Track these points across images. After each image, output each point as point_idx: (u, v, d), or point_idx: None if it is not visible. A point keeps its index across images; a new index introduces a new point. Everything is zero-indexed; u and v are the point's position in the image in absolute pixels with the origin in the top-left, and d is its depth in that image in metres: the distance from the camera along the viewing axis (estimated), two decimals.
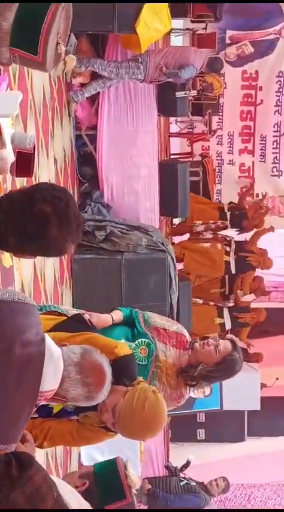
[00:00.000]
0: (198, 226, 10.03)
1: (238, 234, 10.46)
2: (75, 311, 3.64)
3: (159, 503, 8.13)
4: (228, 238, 10.25)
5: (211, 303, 10.02)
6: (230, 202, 10.59)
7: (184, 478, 8.29)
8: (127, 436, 3.15)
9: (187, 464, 8.48)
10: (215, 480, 8.26)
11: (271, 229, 10.27)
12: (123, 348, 3.25)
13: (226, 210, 10.28)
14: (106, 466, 2.82)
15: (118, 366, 2.58)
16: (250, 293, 10.09)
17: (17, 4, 3.24)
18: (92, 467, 2.81)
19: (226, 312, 9.93)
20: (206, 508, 8.42)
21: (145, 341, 3.57)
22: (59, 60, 3.05)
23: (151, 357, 3.57)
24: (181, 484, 8.19)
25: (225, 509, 8.22)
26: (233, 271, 9.96)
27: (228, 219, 10.21)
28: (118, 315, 3.70)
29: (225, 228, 10.29)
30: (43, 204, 2.43)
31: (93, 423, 3.16)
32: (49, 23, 3.17)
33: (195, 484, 8.25)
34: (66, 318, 3.46)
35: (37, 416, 3.09)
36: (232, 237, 10.31)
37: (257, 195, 11.26)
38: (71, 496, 2.52)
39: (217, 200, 11.36)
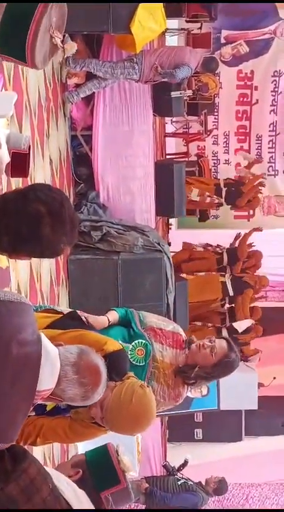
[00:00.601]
0: (193, 195, 9.96)
1: (232, 209, 10.49)
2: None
3: (157, 502, 8.13)
4: (219, 251, 10.26)
5: (210, 325, 10.01)
6: (228, 178, 10.56)
7: (182, 477, 8.29)
8: (116, 430, 3.15)
9: (184, 464, 8.49)
10: (213, 479, 8.26)
11: (258, 229, 10.28)
12: (113, 344, 3.25)
13: (222, 186, 10.24)
14: (98, 453, 2.82)
15: (107, 362, 2.58)
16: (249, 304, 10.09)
17: (3, 6, 3.21)
18: (83, 455, 2.81)
19: (224, 332, 9.93)
20: (204, 508, 8.43)
21: (142, 342, 3.57)
22: (55, 50, 3.02)
23: (149, 357, 3.57)
24: (179, 483, 8.19)
25: (225, 509, 8.22)
26: (231, 292, 9.96)
27: (223, 196, 10.17)
28: (113, 315, 3.70)
29: (220, 205, 10.25)
30: (37, 203, 2.43)
31: (84, 419, 3.16)
32: (35, 26, 3.12)
33: (192, 483, 8.26)
34: (61, 315, 3.47)
35: (31, 414, 3.09)
36: (224, 247, 10.30)
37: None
38: (66, 485, 2.53)
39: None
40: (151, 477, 8.38)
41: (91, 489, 2.64)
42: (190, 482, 8.24)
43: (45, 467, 2.45)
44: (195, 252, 10.42)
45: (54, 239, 2.47)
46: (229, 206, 10.49)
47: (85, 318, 3.51)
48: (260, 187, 10.45)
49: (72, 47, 4.78)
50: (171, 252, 8.99)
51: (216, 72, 10.87)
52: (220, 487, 8.38)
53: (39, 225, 2.42)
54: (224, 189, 10.19)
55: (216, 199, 10.16)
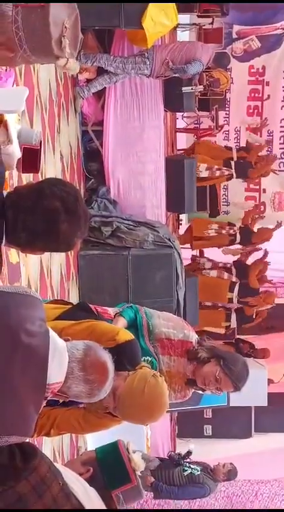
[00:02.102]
0: (201, 171, 9.87)
1: (243, 182, 10.44)
2: None
3: (163, 495, 8.10)
4: (233, 232, 10.20)
5: (220, 304, 10.00)
6: (240, 149, 10.45)
7: (189, 465, 8.24)
8: (128, 419, 3.17)
9: (188, 454, 8.44)
10: (222, 470, 8.22)
11: (279, 225, 10.25)
12: (125, 333, 3.25)
13: (234, 157, 10.11)
14: (108, 450, 2.81)
15: (120, 352, 2.58)
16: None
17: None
18: (94, 452, 2.81)
19: (233, 318, 9.91)
20: (209, 509, 8.39)
21: (148, 359, 3.57)
22: (61, 51, 2.98)
23: None
24: (185, 473, 8.14)
25: (224, 509, 8.21)
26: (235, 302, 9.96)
27: (233, 168, 10.08)
28: (122, 323, 3.69)
29: (230, 177, 10.16)
30: (53, 199, 2.42)
31: (98, 409, 3.18)
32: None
33: (199, 472, 8.20)
34: (71, 306, 3.47)
35: (44, 405, 3.10)
36: (231, 264, 10.23)
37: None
38: (76, 482, 2.54)
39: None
40: (156, 469, 8.33)
41: (101, 487, 2.64)
42: (196, 473, 8.19)
43: (55, 464, 2.45)
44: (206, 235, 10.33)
45: (70, 234, 2.47)
46: (241, 180, 10.38)
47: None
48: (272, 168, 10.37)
49: (74, 65, 4.68)
50: (181, 247, 8.97)
51: (228, 67, 10.83)
52: (229, 477, 8.35)
53: (57, 222, 2.42)
54: (232, 163, 10.05)
55: (226, 170, 10.04)
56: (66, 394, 2.44)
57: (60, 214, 2.41)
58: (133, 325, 3.69)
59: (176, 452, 8.74)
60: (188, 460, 8.38)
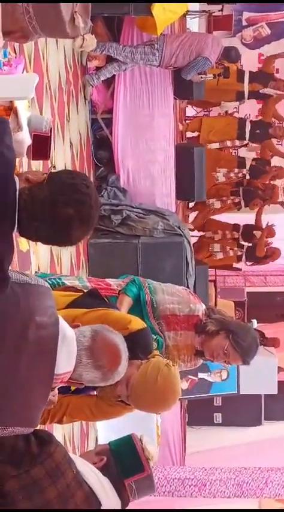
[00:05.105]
0: (219, 177, 9.93)
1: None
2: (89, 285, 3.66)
3: None
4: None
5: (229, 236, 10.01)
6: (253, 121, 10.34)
7: None
8: (141, 408, 3.19)
9: None
10: None
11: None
12: (137, 322, 3.26)
13: (247, 125, 9.99)
14: (122, 441, 2.84)
15: (132, 341, 2.59)
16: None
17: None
18: (107, 444, 2.83)
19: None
20: (207, 508, 8.37)
21: (153, 337, 3.57)
22: (76, 31, 2.97)
23: (161, 349, 3.60)
24: None
25: (223, 509, 8.24)
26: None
27: (247, 135, 9.98)
28: (127, 303, 3.68)
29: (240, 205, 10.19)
30: (66, 208, 2.34)
31: (110, 397, 3.19)
32: None
33: None
34: (82, 294, 3.47)
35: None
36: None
37: None
38: (90, 471, 2.56)
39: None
40: None
41: (115, 476, 2.66)
42: None
43: (69, 453, 2.47)
44: None
45: (81, 238, 2.46)
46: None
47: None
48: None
49: (91, 40, 4.63)
50: (191, 236, 8.97)
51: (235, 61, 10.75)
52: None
53: (70, 229, 2.38)
54: (247, 129, 9.97)
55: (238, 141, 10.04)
56: (80, 380, 2.44)
57: (73, 223, 2.36)
58: (136, 301, 3.69)
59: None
60: None
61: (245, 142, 10.23)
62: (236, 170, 10.03)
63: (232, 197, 10.08)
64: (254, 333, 3.78)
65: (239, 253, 10.04)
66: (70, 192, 2.36)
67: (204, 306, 3.77)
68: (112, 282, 3.83)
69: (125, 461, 2.73)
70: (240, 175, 10.07)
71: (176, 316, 3.69)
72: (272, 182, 10.25)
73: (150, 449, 2.78)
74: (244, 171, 10.06)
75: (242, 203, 10.09)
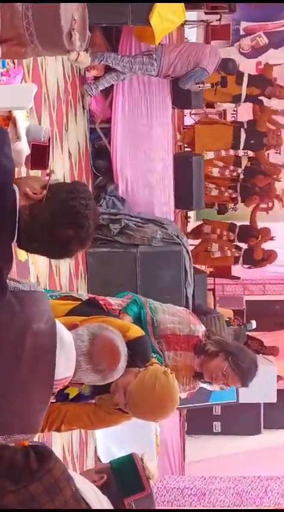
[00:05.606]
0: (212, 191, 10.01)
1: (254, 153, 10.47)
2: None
3: None
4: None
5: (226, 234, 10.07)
6: (249, 121, 10.33)
7: None
8: (139, 416, 3.19)
9: None
10: None
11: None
12: (135, 330, 3.27)
13: (242, 135, 9.99)
14: (123, 460, 2.83)
15: (131, 348, 2.59)
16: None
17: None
18: (109, 463, 2.82)
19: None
20: (206, 509, 8.36)
21: (153, 355, 3.57)
22: (71, 46, 3.00)
23: None
24: None
25: (221, 510, 8.22)
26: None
27: (242, 145, 9.99)
28: (128, 321, 3.68)
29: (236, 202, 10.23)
30: (66, 229, 2.37)
31: (108, 405, 3.19)
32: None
33: None
34: (80, 302, 3.48)
35: (54, 401, 3.11)
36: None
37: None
38: (89, 489, 2.55)
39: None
40: None
41: (115, 495, 2.65)
42: None
43: (68, 470, 2.47)
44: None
45: (78, 252, 2.48)
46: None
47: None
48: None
49: (85, 58, 4.67)
50: (191, 245, 8.98)
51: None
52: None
53: (69, 247, 2.41)
54: (242, 137, 10.02)
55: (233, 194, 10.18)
56: (80, 381, 2.46)
57: (72, 242, 2.39)
58: (137, 319, 3.69)
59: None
60: None
61: (240, 152, 10.27)
62: (231, 167, 10.06)
63: (230, 191, 10.11)
64: (254, 356, 3.78)
65: (236, 254, 10.08)
66: (70, 215, 2.37)
67: (203, 327, 3.78)
68: (113, 301, 3.84)
69: (125, 480, 2.72)
70: (235, 174, 10.10)
71: (176, 335, 3.69)
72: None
73: (150, 468, 2.78)
74: (239, 170, 10.09)
75: (239, 198, 10.12)
